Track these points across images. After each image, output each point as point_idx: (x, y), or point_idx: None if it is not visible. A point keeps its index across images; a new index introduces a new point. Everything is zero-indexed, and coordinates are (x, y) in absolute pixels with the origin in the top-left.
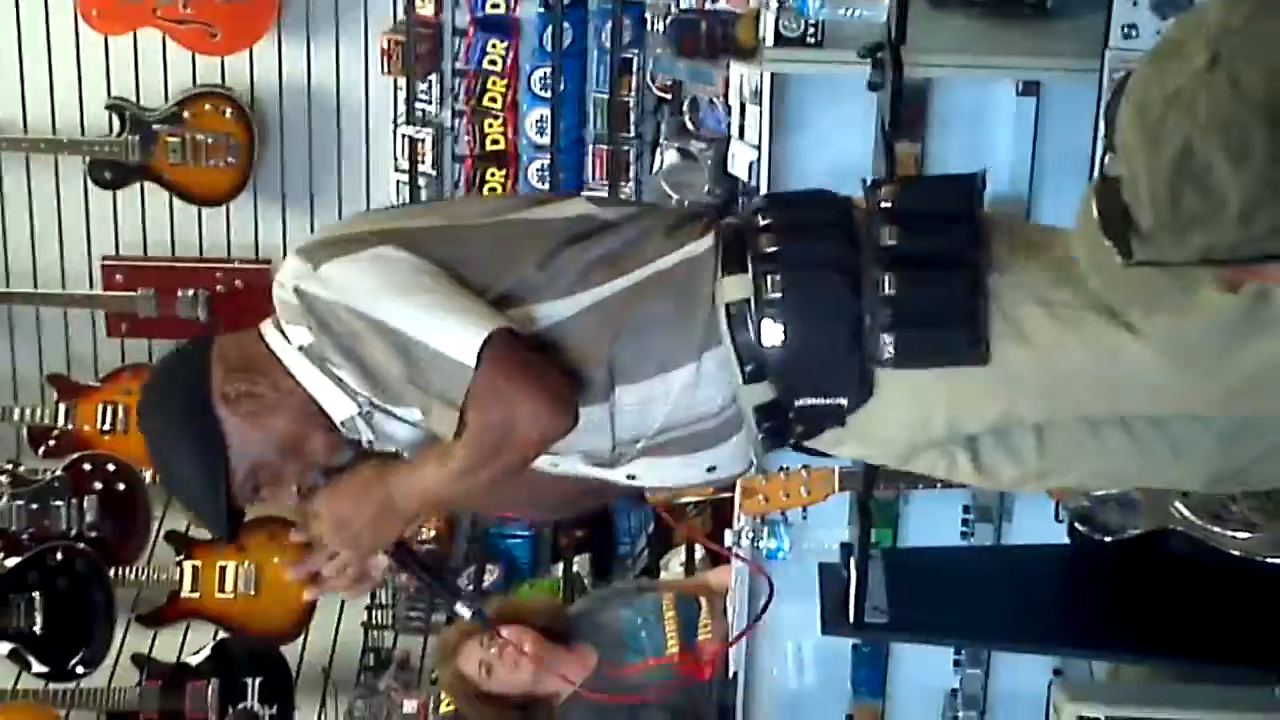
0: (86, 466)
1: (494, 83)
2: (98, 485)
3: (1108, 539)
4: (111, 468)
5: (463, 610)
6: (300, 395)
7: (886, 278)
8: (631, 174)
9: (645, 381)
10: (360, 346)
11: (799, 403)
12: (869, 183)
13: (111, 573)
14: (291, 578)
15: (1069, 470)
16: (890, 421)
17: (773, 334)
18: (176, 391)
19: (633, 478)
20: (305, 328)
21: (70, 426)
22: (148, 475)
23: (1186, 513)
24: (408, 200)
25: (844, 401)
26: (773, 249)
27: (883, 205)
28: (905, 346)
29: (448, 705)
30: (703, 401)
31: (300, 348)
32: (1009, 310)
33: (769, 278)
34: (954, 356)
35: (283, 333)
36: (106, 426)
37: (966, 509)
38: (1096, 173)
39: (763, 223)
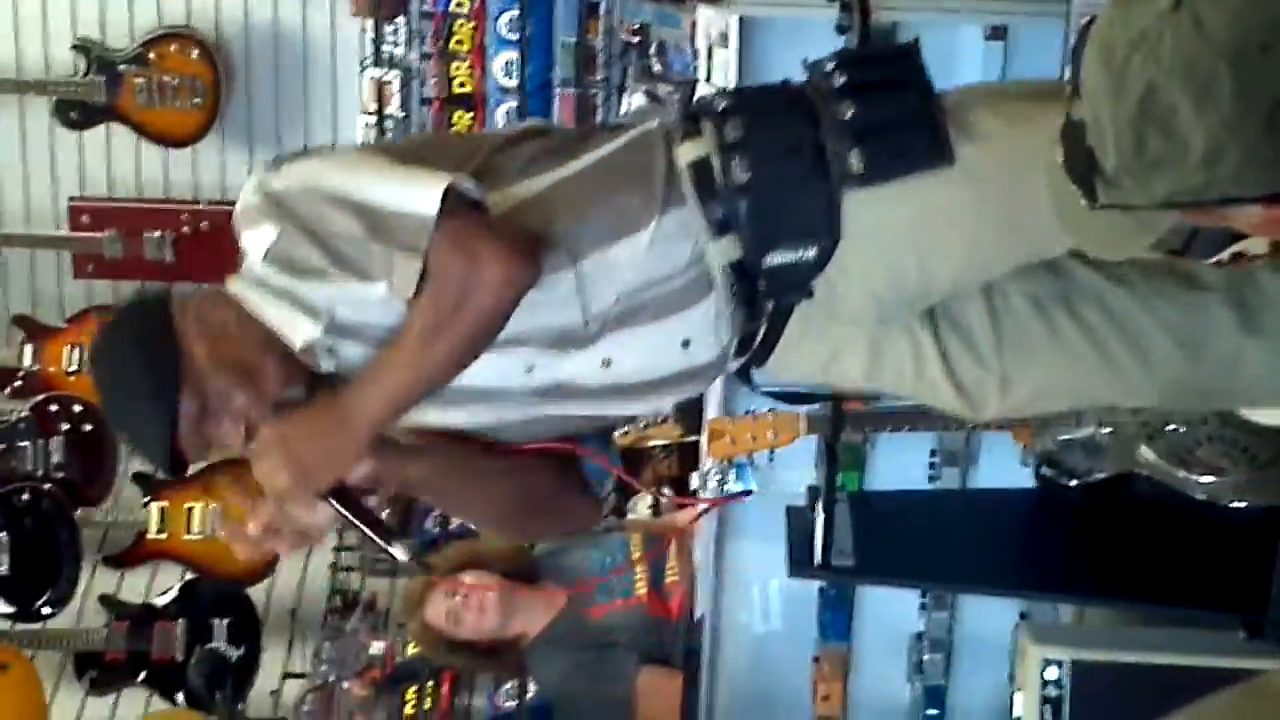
0: (53, 407)
1: (461, 25)
2: (64, 426)
3: (1073, 482)
4: (78, 408)
5: (400, 554)
6: (261, 325)
7: (843, 107)
8: (598, 117)
9: (607, 247)
10: (322, 224)
11: (767, 261)
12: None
13: (78, 513)
14: (224, 537)
15: (1028, 371)
16: (859, 276)
17: (738, 174)
18: (134, 315)
19: (609, 363)
20: (269, 222)
21: (36, 367)
22: None
23: (1152, 456)
24: (374, 142)
25: (812, 253)
26: (727, 105)
27: (829, 65)
28: (872, 158)
29: (414, 647)
30: (664, 262)
31: (264, 256)
32: (962, 118)
33: (728, 125)
34: (920, 159)
35: (242, 277)
36: (72, 367)
37: (933, 453)
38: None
39: (714, 94)
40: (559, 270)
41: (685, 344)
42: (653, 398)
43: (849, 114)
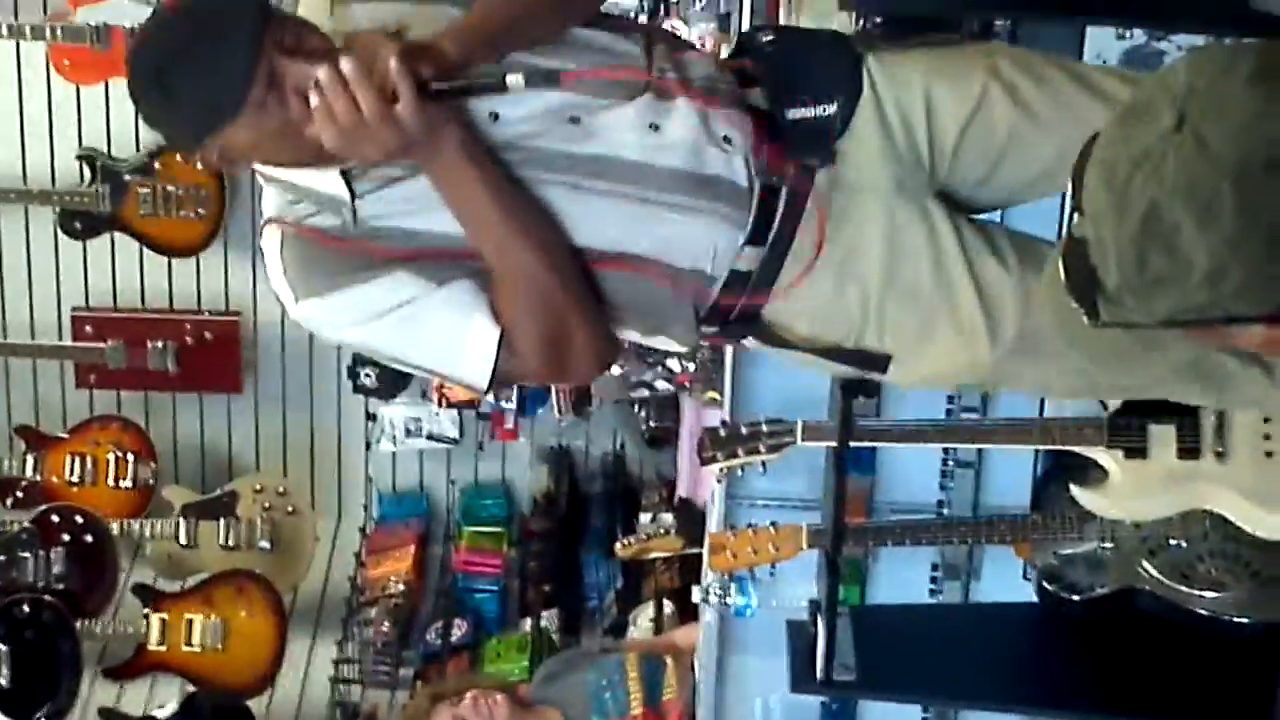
0: (54, 518)
1: None
2: (65, 537)
3: (1076, 597)
4: (79, 519)
5: (515, 81)
6: None
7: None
8: None
9: (682, 49)
10: None
11: (790, 114)
12: None
13: (78, 625)
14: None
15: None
16: (871, 138)
17: (764, 39)
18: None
19: (656, 128)
20: None
21: (38, 478)
22: (115, 527)
23: (1154, 571)
24: None
25: (833, 108)
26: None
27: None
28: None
29: None
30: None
31: None
32: None
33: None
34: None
35: None
36: (74, 478)
37: (935, 566)
38: (1064, 231)
39: None
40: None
41: (727, 140)
42: (687, 207)
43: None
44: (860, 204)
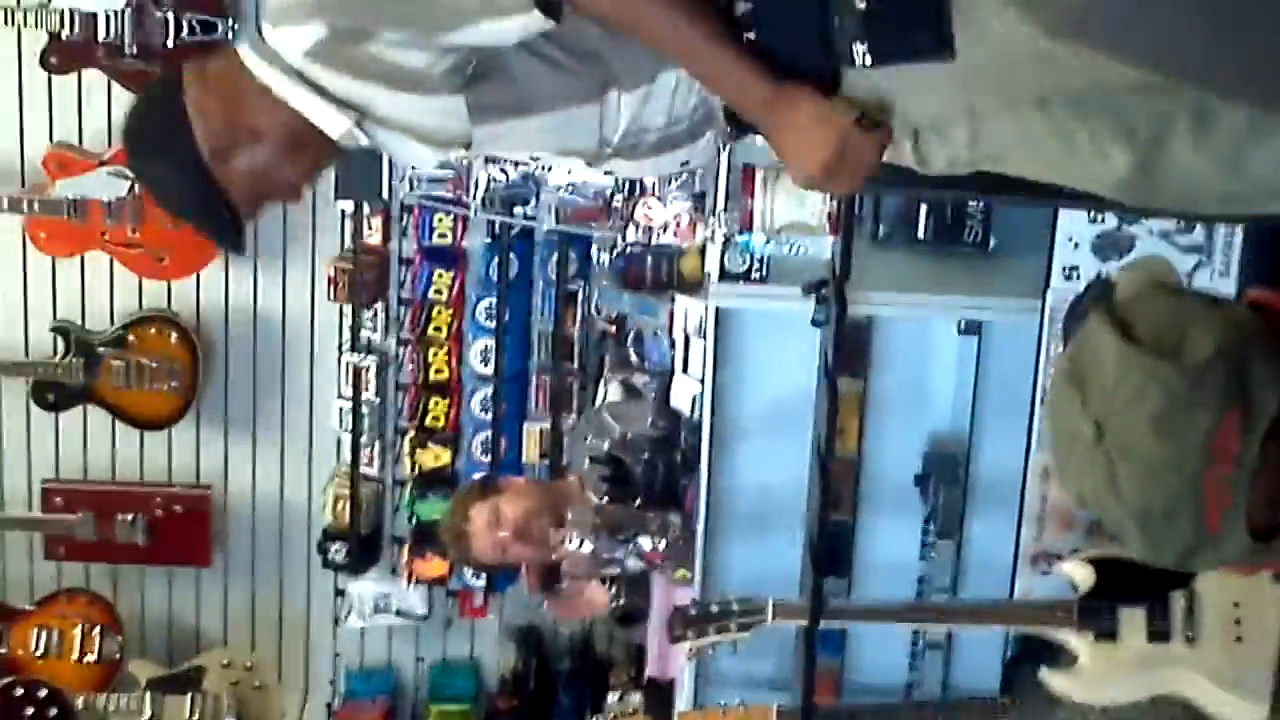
0: (18, 691)
1: (439, 312)
2: (29, 711)
3: None
4: (43, 694)
5: None
6: (290, 122)
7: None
8: (574, 406)
9: (640, 88)
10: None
11: None
12: None
13: None
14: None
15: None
16: None
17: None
18: (163, 149)
19: (609, 174)
20: (319, 20)
21: (3, 650)
22: (79, 701)
23: None
24: (350, 427)
25: None
26: None
27: None
28: (876, 47)
29: None
30: (679, 105)
31: (305, 52)
32: (969, 12)
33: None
34: (922, 53)
35: (267, 58)
36: (40, 651)
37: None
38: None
39: None
40: (587, 102)
41: (685, 163)
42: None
43: (862, 4)
44: None
